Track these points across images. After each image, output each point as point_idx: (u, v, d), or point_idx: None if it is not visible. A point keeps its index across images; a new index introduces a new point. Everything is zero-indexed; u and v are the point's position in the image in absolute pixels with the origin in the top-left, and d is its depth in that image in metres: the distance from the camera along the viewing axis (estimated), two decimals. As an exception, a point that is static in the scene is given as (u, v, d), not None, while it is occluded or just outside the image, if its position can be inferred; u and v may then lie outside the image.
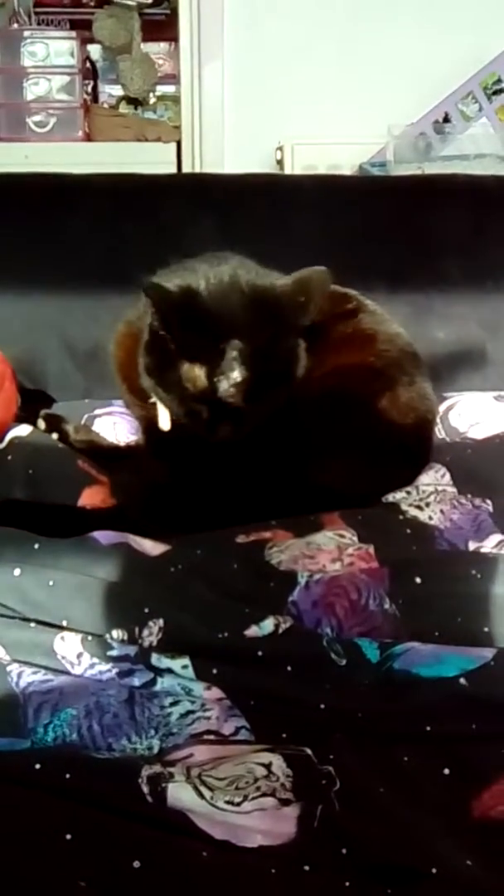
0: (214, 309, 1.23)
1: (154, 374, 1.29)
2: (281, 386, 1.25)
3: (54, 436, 1.50)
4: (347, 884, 0.76)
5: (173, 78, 2.94)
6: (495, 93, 2.58)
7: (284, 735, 0.91)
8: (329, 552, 1.13)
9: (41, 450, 1.43)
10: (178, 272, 1.29)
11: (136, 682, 0.96)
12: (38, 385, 1.74)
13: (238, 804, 0.81)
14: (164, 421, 1.31)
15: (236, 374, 1.20)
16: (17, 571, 1.02)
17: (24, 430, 1.46)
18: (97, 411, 1.65)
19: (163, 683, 0.96)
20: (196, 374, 1.21)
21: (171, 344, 1.22)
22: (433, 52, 2.61)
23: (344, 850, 0.77)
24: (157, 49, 3.03)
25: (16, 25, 2.87)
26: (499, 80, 2.56)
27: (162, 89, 3.01)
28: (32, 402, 1.59)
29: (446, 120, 2.58)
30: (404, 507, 1.25)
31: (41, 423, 1.51)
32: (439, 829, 0.80)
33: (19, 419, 1.49)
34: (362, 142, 2.61)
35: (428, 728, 0.91)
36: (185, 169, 2.79)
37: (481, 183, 1.99)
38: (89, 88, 3.01)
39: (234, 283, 1.26)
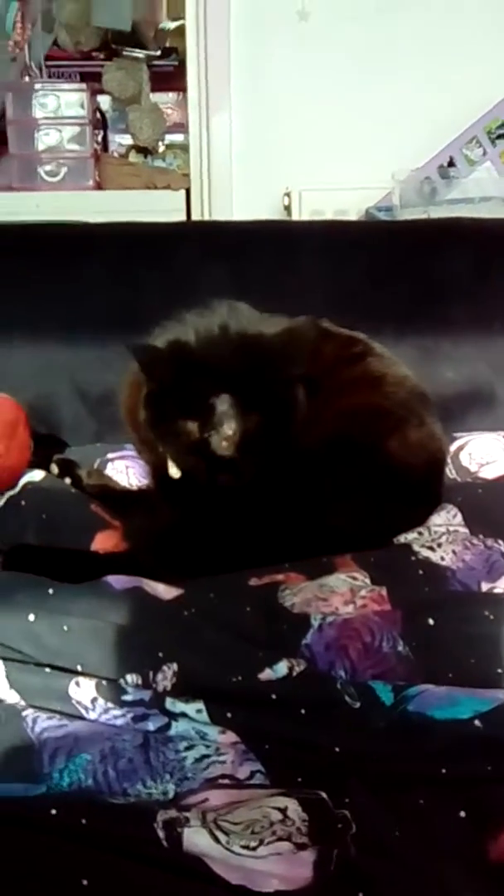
0: (204, 363, 1.25)
1: (153, 428, 1.32)
2: (278, 433, 1.26)
3: (67, 480, 1.51)
4: (365, 928, 0.75)
5: (182, 127, 2.99)
6: (499, 137, 2.61)
7: (299, 779, 0.91)
8: (342, 594, 1.13)
9: (54, 494, 1.44)
10: (170, 327, 1.31)
11: (151, 726, 0.96)
12: (51, 430, 1.76)
13: (254, 849, 0.80)
14: (174, 469, 1.32)
15: (226, 429, 1.21)
16: (31, 617, 1.02)
17: (37, 475, 1.47)
18: (109, 455, 1.66)
19: (177, 728, 0.96)
20: (189, 429, 1.23)
21: (165, 400, 1.24)
22: (437, 98, 2.65)
23: (360, 894, 0.77)
24: (165, 99, 3.09)
25: (27, 78, 2.93)
26: (502, 125, 2.60)
27: (171, 138, 3.06)
28: (45, 447, 1.61)
29: (451, 164, 2.61)
30: (416, 547, 1.25)
31: (54, 468, 1.52)
32: (456, 873, 0.80)
33: (32, 464, 1.51)
34: (368, 187, 2.64)
35: (443, 770, 0.90)
36: (195, 216, 2.82)
37: (486, 226, 2.01)
38: (99, 138, 3.06)
39: (224, 334, 1.28)
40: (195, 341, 1.27)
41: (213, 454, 1.23)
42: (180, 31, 2.88)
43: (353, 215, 2.62)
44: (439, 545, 1.25)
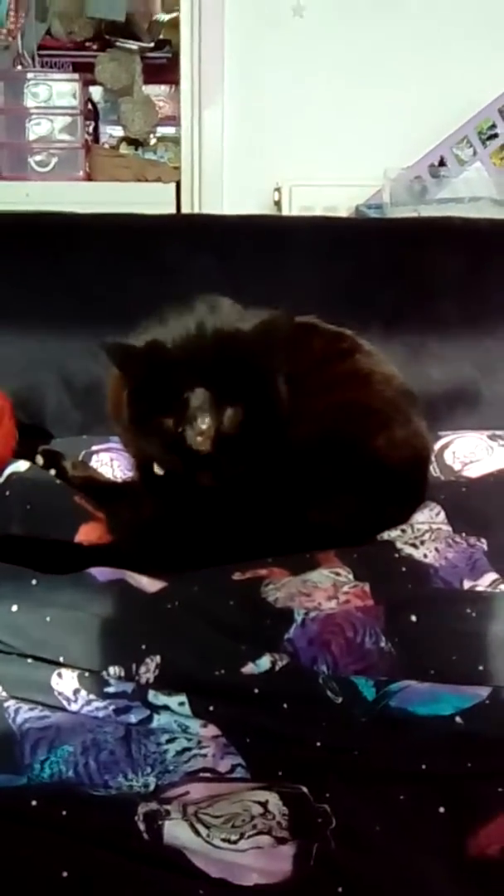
0: (178, 360, 1.25)
1: (133, 426, 1.32)
2: (260, 427, 1.26)
3: (52, 472, 1.50)
4: (343, 923, 0.76)
5: (173, 120, 2.99)
6: (489, 137, 2.62)
7: (280, 773, 0.91)
8: (325, 590, 1.13)
9: (39, 486, 1.43)
10: (150, 327, 1.31)
11: (133, 719, 0.96)
12: (37, 421, 1.75)
13: (234, 842, 0.81)
14: (158, 466, 1.32)
15: (200, 423, 1.22)
16: (14, 608, 1.02)
17: (22, 465, 1.46)
18: (95, 447, 1.66)
19: (159, 720, 0.96)
20: (166, 426, 1.24)
21: (143, 398, 1.24)
22: (429, 97, 2.66)
23: (340, 889, 0.77)
24: (157, 91, 3.09)
25: (20, 67, 2.92)
26: (493, 126, 2.61)
27: (162, 131, 3.06)
28: (31, 438, 1.60)
29: (441, 164, 2.62)
30: (399, 545, 1.25)
31: (39, 459, 1.52)
32: (435, 868, 0.80)
33: (17, 455, 1.50)
34: (359, 184, 2.64)
35: (424, 766, 0.91)
36: (185, 209, 2.82)
37: (476, 226, 2.02)
38: (91, 129, 3.06)
39: (201, 332, 1.28)
40: (171, 340, 1.28)
41: (190, 450, 1.23)
42: (174, 24, 2.88)
43: (342, 212, 2.62)
44: (422, 542, 1.26)
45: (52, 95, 2.90)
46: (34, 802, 0.83)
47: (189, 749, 0.94)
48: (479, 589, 1.19)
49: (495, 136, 2.61)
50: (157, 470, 1.32)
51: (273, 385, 1.30)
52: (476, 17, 2.67)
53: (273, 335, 1.28)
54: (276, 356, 1.29)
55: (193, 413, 1.22)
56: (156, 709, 0.96)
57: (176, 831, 0.81)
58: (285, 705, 0.96)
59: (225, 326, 1.29)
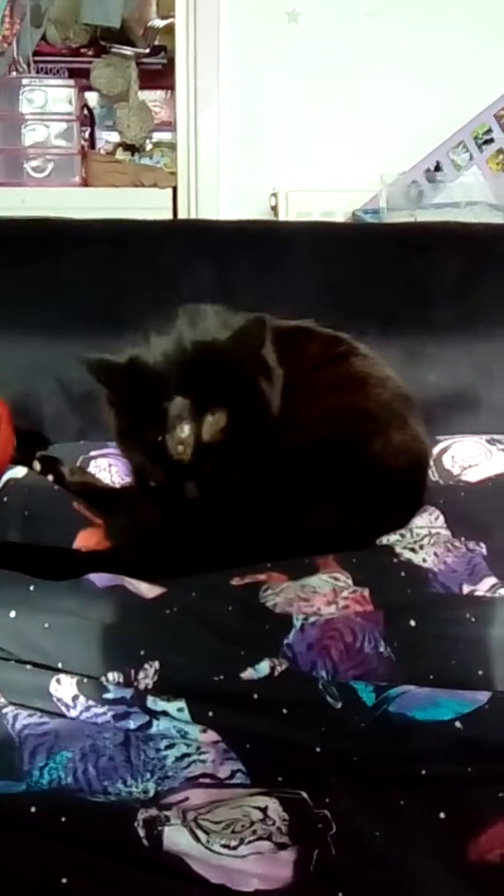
0: (157, 372, 1.26)
1: (118, 440, 1.33)
2: (244, 434, 1.26)
3: (50, 478, 1.50)
4: (344, 929, 0.75)
5: (169, 125, 2.99)
6: (485, 142, 2.63)
7: (280, 778, 0.91)
8: (324, 595, 1.13)
9: (37, 492, 1.43)
10: (136, 343, 1.32)
11: (132, 724, 0.96)
12: (35, 427, 1.75)
13: (234, 848, 0.81)
14: (149, 479, 1.32)
15: (179, 431, 1.22)
16: (12, 613, 1.02)
17: (19, 471, 1.46)
18: (92, 453, 1.66)
19: (158, 726, 0.96)
20: (148, 437, 1.24)
21: (125, 412, 1.26)
22: (425, 102, 2.67)
23: (340, 895, 0.77)
24: (153, 97, 3.09)
25: (15, 73, 2.92)
26: (489, 131, 2.61)
27: (158, 136, 3.06)
28: (28, 444, 1.60)
29: (438, 168, 2.63)
30: (398, 549, 1.25)
31: (37, 465, 1.52)
32: (435, 873, 0.80)
33: (15, 461, 1.50)
34: (356, 189, 2.65)
35: (423, 771, 0.91)
36: (181, 214, 2.82)
37: (472, 230, 2.02)
38: (87, 135, 3.06)
39: (179, 344, 1.28)
40: (151, 354, 1.28)
41: (171, 459, 1.23)
42: (170, 30, 2.88)
43: (339, 217, 2.62)
44: (421, 547, 1.26)
45: (48, 101, 2.90)
46: (33, 809, 0.83)
47: (188, 755, 0.94)
48: (478, 594, 1.19)
49: (491, 140, 2.62)
50: (152, 483, 1.32)
51: (255, 390, 1.30)
52: (471, 23, 2.68)
53: (252, 339, 1.28)
54: (255, 362, 1.29)
55: (172, 422, 1.22)
56: (155, 714, 0.96)
57: (176, 837, 0.81)
58: (285, 711, 0.96)
59: (203, 336, 1.29)
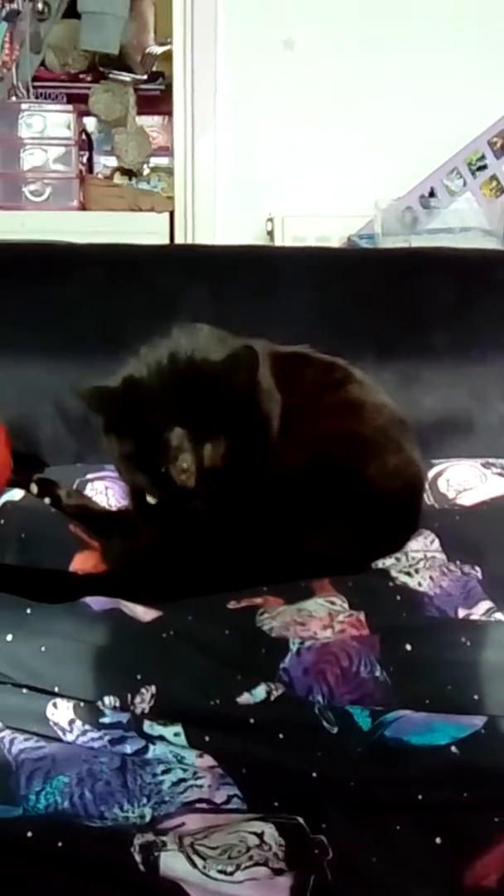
0: (154, 396, 1.27)
1: (118, 463, 1.35)
2: (245, 457, 1.27)
3: (46, 500, 1.50)
4: None
5: (167, 150, 3.01)
6: (479, 168, 2.65)
7: (276, 803, 0.91)
8: (320, 619, 1.13)
9: (33, 514, 1.43)
10: (130, 363, 1.33)
11: (129, 749, 0.96)
12: (31, 449, 1.75)
13: (231, 873, 0.80)
14: (150, 496, 1.33)
15: (182, 462, 1.24)
16: (9, 637, 1.02)
17: (16, 494, 1.46)
18: (89, 476, 1.66)
19: (155, 751, 0.95)
20: (151, 463, 1.26)
21: (124, 437, 1.28)
22: (419, 128, 2.69)
23: (337, 921, 0.77)
24: (151, 122, 3.12)
25: (14, 98, 2.94)
26: (482, 157, 2.63)
27: (156, 161, 3.08)
28: (25, 467, 1.60)
29: (432, 195, 2.64)
30: (394, 573, 1.25)
31: (34, 488, 1.52)
32: (432, 899, 0.80)
33: (12, 483, 1.50)
34: (351, 214, 2.66)
35: (420, 797, 0.90)
36: (178, 239, 2.83)
37: (466, 256, 2.04)
38: (85, 159, 3.08)
39: (173, 364, 1.29)
40: (146, 376, 1.29)
41: (176, 486, 1.24)
42: (167, 56, 2.90)
43: (335, 242, 2.64)
44: (417, 571, 1.26)
45: (47, 126, 2.92)
46: (29, 833, 0.83)
47: (185, 780, 0.93)
48: (473, 618, 1.19)
49: (485, 167, 2.64)
50: (150, 499, 1.33)
51: (252, 412, 1.31)
52: (465, 50, 2.70)
53: (244, 366, 1.29)
54: (244, 387, 1.30)
55: (174, 454, 1.24)
56: (151, 739, 0.96)
57: (172, 862, 0.80)
58: (281, 735, 0.96)
59: (197, 358, 1.30)
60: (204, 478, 1.25)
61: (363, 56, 2.70)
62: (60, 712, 0.97)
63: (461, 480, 1.66)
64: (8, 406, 1.68)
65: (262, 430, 1.32)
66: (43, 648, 1.01)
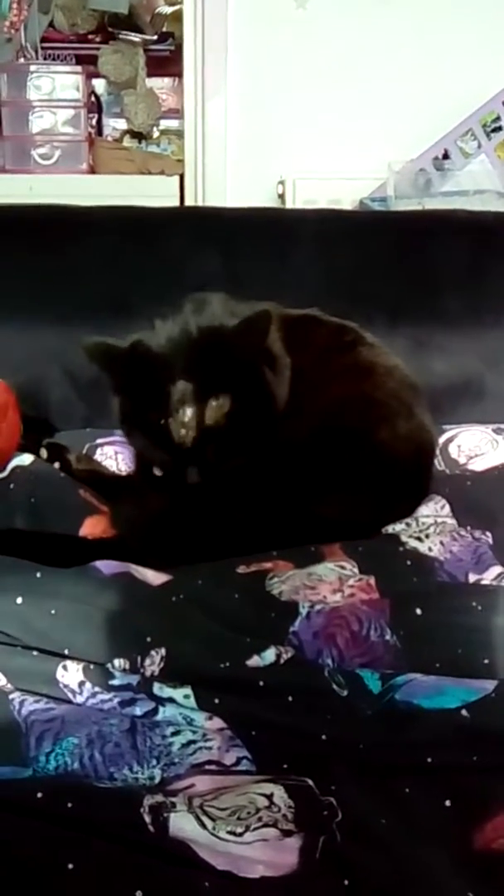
0: (161, 355, 1.26)
1: (122, 425, 1.34)
2: (248, 420, 1.26)
3: (56, 465, 1.50)
4: (349, 915, 0.76)
5: (177, 112, 2.98)
6: (494, 130, 2.61)
7: (286, 766, 0.91)
8: (330, 583, 1.13)
9: (43, 479, 1.43)
10: (140, 332, 1.32)
11: (138, 711, 0.96)
12: (41, 414, 1.75)
13: (240, 835, 0.81)
14: (155, 467, 1.32)
15: (182, 415, 1.22)
16: (19, 600, 1.02)
17: (26, 458, 1.46)
18: (99, 440, 1.66)
19: (164, 713, 0.96)
20: (151, 420, 1.24)
21: (128, 397, 1.26)
22: (433, 90, 2.65)
23: (346, 882, 0.77)
24: (161, 84, 3.08)
25: (22, 60, 2.91)
26: (497, 118, 2.60)
27: (165, 123, 3.05)
28: (35, 432, 1.60)
29: (446, 157, 2.61)
30: (404, 538, 1.25)
31: (43, 453, 1.52)
32: (441, 861, 0.80)
33: (22, 448, 1.50)
34: (363, 177, 2.64)
35: (429, 759, 0.91)
36: (188, 202, 2.82)
37: (481, 219, 2.01)
38: (94, 122, 3.05)
39: (184, 329, 1.28)
40: (155, 340, 1.28)
41: (173, 442, 1.23)
42: (177, 16, 2.87)
43: (347, 205, 2.61)
44: (427, 536, 1.26)
45: (56, 88, 2.90)
46: (39, 794, 0.83)
47: (194, 741, 0.94)
48: (484, 582, 1.19)
49: (499, 128, 2.60)
50: (156, 471, 1.32)
51: (259, 378, 1.30)
52: (480, 10, 2.66)
53: (257, 330, 1.27)
54: (262, 350, 1.29)
55: (175, 405, 1.22)
56: (161, 701, 0.96)
57: (181, 823, 0.81)
58: (290, 698, 0.96)
59: (209, 323, 1.29)
60: (203, 436, 1.23)
61: (376, 15, 2.65)
62: (70, 674, 0.97)
63: (472, 446, 1.65)
64: (17, 370, 1.67)
65: (268, 398, 1.31)
66: (53, 611, 1.01)
